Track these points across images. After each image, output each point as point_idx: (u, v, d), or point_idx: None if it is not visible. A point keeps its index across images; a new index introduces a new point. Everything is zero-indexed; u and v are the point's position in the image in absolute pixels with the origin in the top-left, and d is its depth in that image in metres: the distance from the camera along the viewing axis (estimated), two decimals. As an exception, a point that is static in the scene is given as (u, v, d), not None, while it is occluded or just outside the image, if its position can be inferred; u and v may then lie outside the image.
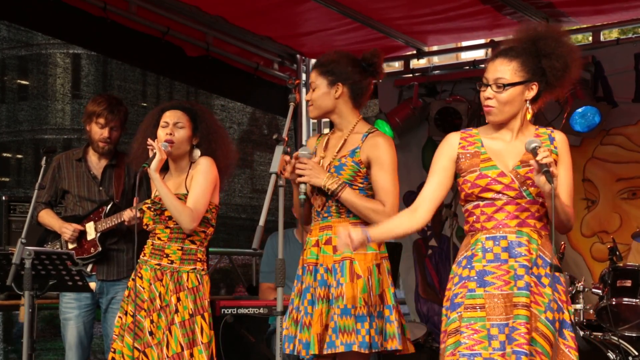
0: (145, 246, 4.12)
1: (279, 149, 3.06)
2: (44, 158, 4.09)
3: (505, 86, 3.06)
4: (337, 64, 3.69)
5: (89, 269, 4.65)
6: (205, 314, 3.95)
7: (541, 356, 2.96)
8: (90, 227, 4.65)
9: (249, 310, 4.90)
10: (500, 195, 3.08)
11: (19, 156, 9.13)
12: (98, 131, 4.71)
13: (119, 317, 4.07)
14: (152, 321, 3.91)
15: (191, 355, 3.88)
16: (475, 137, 3.21)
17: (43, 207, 4.74)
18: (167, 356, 3.85)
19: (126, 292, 4.09)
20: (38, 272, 3.86)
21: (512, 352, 2.94)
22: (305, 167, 3.49)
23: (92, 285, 4.53)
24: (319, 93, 3.66)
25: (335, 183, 3.51)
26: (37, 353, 3.83)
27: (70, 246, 4.66)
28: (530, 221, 3.07)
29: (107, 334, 4.73)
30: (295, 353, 3.54)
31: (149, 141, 3.96)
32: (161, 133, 4.03)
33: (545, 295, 3.02)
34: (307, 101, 3.70)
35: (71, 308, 4.64)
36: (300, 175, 3.49)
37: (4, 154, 9.14)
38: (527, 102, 3.11)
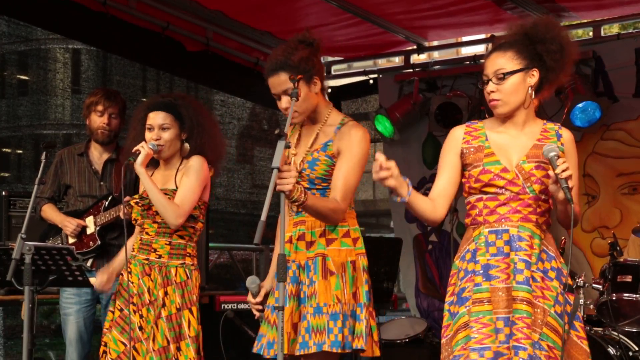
0: (135, 242, 4.10)
1: (280, 144, 2.99)
2: (44, 153, 4.07)
3: (505, 75, 3.06)
4: (305, 60, 3.37)
5: (88, 264, 4.66)
6: (193, 308, 3.93)
7: (553, 350, 2.97)
8: (89, 221, 4.66)
9: (249, 306, 4.90)
10: (503, 190, 3.08)
11: (19, 151, 9.13)
12: (97, 119, 4.72)
13: (110, 311, 4.05)
14: (141, 316, 3.90)
15: (178, 349, 3.86)
16: (480, 131, 3.21)
17: (46, 202, 4.75)
18: (153, 350, 3.84)
19: (117, 287, 4.08)
20: (38, 268, 3.86)
21: (512, 347, 2.96)
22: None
23: (92, 280, 4.53)
24: (302, 94, 3.32)
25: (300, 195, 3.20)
26: (36, 348, 3.82)
27: (70, 240, 4.66)
28: (532, 216, 3.07)
29: (107, 330, 4.74)
30: (262, 353, 3.38)
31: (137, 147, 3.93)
32: (147, 137, 3.98)
33: (553, 288, 3.03)
34: (286, 108, 3.34)
35: (71, 303, 4.64)
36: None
37: (4, 149, 9.15)
38: (530, 88, 3.10)
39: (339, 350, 3.25)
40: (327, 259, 3.33)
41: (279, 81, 3.37)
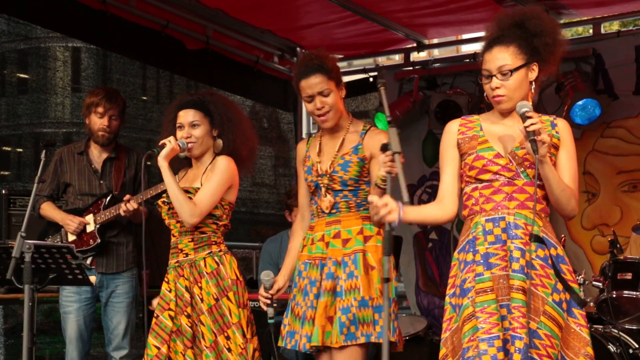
0: None
1: (392, 131, 3.10)
2: (44, 152, 4.07)
3: (511, 72, 3.08)
4: (336, 66, 3.63)
5: (88, 261, 4.66)
6: (230, 294, 3.89)
7: (550, 339, 2.98)
8: (89, 220, 4.66)
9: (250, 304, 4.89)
10: (497, 176, 3.10)
11: (19, 150, 9.12)
12: (97, 121, 4.71)
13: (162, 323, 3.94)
14: (188, 315, 3.87)
15: (227, 338, 3.84)
16: (475, 123, 3.25)
17: (45, 200, 4.75)
18: (205, 347, 3.83)
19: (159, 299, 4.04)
20: (38, 266, 3.85)
21: (510, 337, 2.97)
22: None
23: (92, 279, 4.53)
24: (335, 98, 3.57)
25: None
26: (37, 347, 3.81)
27: (70, 239, 4.66)
28: (529, 203, 3.07)
29: (107, 327, 4.73)
30: (298, 348, 3.52)
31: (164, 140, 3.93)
32: (178, 136, 3.98)
33: (552, 276, 3.03)
34: (320, 108, 3.55)
35: (71, 302, 4.64)
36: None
37: (4, 148, 9.14)
38: (532, 82, 3.14)
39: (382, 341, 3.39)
40: (367, 255, 3.49)
41: (315, 82, 3.54)
